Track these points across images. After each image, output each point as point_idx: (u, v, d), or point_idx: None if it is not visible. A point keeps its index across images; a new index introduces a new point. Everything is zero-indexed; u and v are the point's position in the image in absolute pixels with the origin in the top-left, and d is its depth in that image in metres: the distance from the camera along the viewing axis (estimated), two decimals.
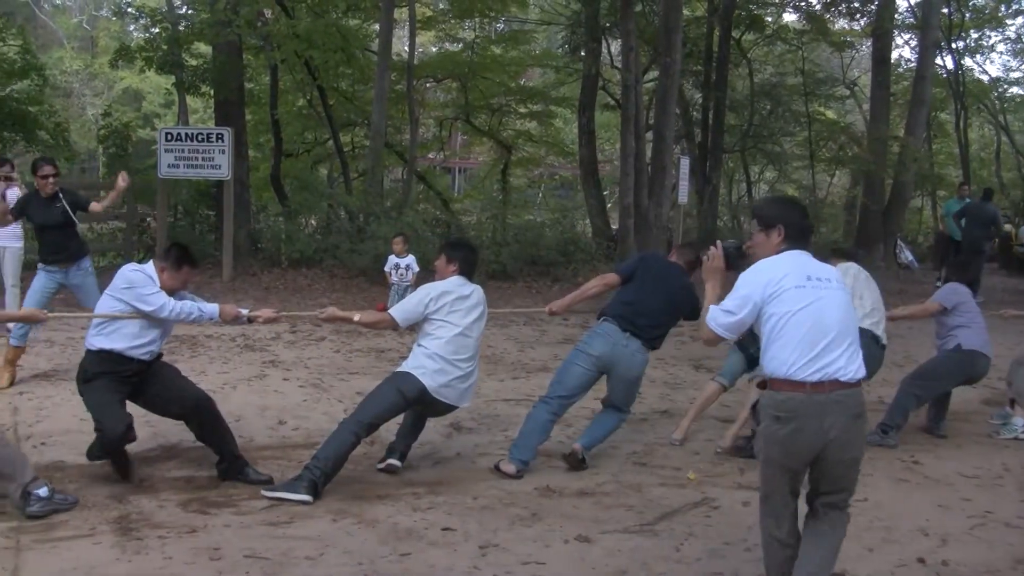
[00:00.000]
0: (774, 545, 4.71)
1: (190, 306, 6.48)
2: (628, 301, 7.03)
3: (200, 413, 6.50)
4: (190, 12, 24.19)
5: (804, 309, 4.42)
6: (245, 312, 6.77)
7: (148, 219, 19.56)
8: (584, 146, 24.21)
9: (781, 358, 4.42)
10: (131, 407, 6.38)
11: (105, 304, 6.46)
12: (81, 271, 9.34)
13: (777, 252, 4.62)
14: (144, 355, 6.45)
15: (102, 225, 21.21)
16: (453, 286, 6.68)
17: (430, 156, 31.52)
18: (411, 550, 5.33)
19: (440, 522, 5.75)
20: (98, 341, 6.35)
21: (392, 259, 12.95)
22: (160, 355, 6.64)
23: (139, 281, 6.37)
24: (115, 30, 42.88)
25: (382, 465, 6.77)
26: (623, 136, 20.50)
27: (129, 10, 26.27)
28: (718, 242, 5.01)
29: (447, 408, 6.69)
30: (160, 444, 7.27)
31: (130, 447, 7.03)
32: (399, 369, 6.61)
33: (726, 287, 4.73)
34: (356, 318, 6.77)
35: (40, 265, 9.26)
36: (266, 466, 6.74)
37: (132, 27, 33.05)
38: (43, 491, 5.75)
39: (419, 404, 6.59)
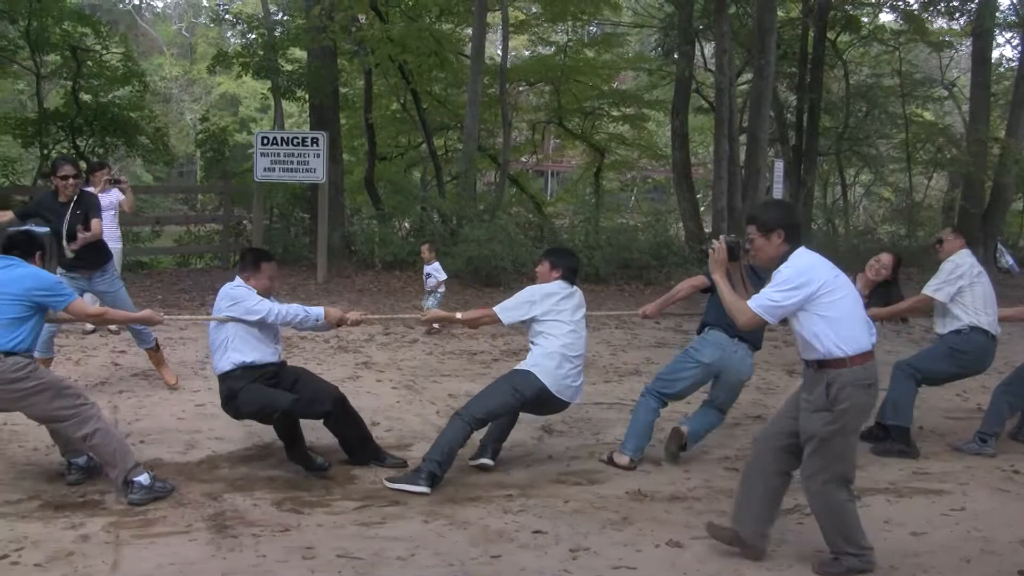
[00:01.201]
0: (849, 506, 5.25)
1: (296, 308, 6.73)
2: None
3: (339, 408, 6.77)
4: (286, 18, 24.55)
5: (850, 293, 5.15)
6: (351, 316, 7.01)
7: (244, 222, 19.84)
8: (677, 149, 24.05)
9: (854, 335, 5.07)
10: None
11: (216, 326, 6.67)
12: (107, 278, 8.89)
13: (779, 253, 5.12)
14: (274, 356, 6.78)
15: (199, 228, 21.57)
16: (557, 288, 6.83)
17: (523, 159, 31.57)
18: (501, 552, 5.35)
19: (531, 525, 5.75)
20: (231, 358, 6.59)
21: (425, 267, 12.95)
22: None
23: (241, 295, 6.67)
24: (213, 36, 43.63)
25: (476, 462, 6.85)
26: (716, 139, 20.36)
27: (226, 17, 26.73)
28: (721, 236, 5.50)
29: (562, 406, 6.84)
30: (255, 443, 7.37)
31: (224, 446, 7.18)
32: (517, 367, 6.74)
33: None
34: (458, 316, 7.00)
35: (60, 271, 8.67)
36: (359, 467, 6.82)
37: (229, 33, 33.65)
38: (144, 479, 5.97)
39: (535, 403, 6.71)
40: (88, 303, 7.08)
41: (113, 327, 9.90)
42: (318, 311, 6.81)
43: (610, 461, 7.03)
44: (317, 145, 16.58)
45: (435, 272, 12.83)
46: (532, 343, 6.78)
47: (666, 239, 20.24)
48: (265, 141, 16.87)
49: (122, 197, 11.61)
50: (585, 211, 22.63)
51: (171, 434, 7.54)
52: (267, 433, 7.43)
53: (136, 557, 5.15)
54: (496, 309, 6.80)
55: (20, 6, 19.52)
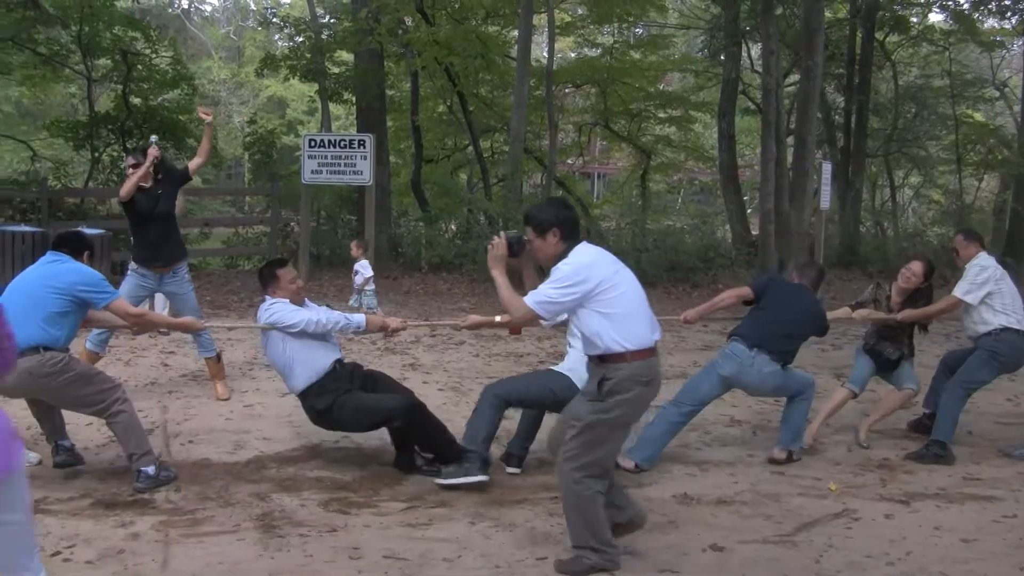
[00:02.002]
0: (600, 499, 5.11)
1: (336, 315, 6.79)
2: (756, 321, 7.20)
3: (418, 414, 6.76)
4: (333, 21, 24.67)
5: (630, 289, 5.10)
6: (392, 324, 7.09)
7: (292, 224, 19.97)
8: (724, 151, 23.99)
9: (635, 332, 5.02)
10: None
11: (273, 345, 6.75)
12: (177, 279, 8.59)
13: (557, 252, 5.07)
14: (338, 351, 6.87)
15: (247, 229, 21.73)
16: None
17: (569, 161, 31.56)
18: (548, 554, 5.34)
19: None
20: (303, 375, 6.63)
21: (354, 265, 12.73)
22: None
23: (277, 310, 6.71)
24: (260, 40, 43.90)
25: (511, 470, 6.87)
26: (763, 141, 20.24)
27: (274, 20, 26.91)
28: (502, 232, 5.37)
29: None
30: (303, 444, 7.41)
31: (272, 447, 7.23)
32: (556, 368, 6.76)
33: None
34: (498, 319, 6.96)
35: (131, 266, 8.55)
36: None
37: (277, 37, 33.78)
38: (150, 470, 6.16)
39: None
40: (151, 304, 7.08)
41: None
42: (359, 319, 6.84)
43: (615, 465, 6.93)
44: (364, 147, 16.63)
45: (362, 269, 12.63)
46: (570, 345, 6.76)
47: (713, 241, 20.21)
48: (312, 143, 16.94)
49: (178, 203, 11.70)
50: (632, 213, 22.61)
51: (219, 434, 7.60)
52: (314, 434, 7.48)
53: (185, 556, 5.20)
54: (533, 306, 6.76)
55: (72, 12, 19.76)
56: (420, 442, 6.80)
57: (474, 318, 7.15)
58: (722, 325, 13.08)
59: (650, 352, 5.07)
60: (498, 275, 5.29)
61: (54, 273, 6.07)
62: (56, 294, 5.98)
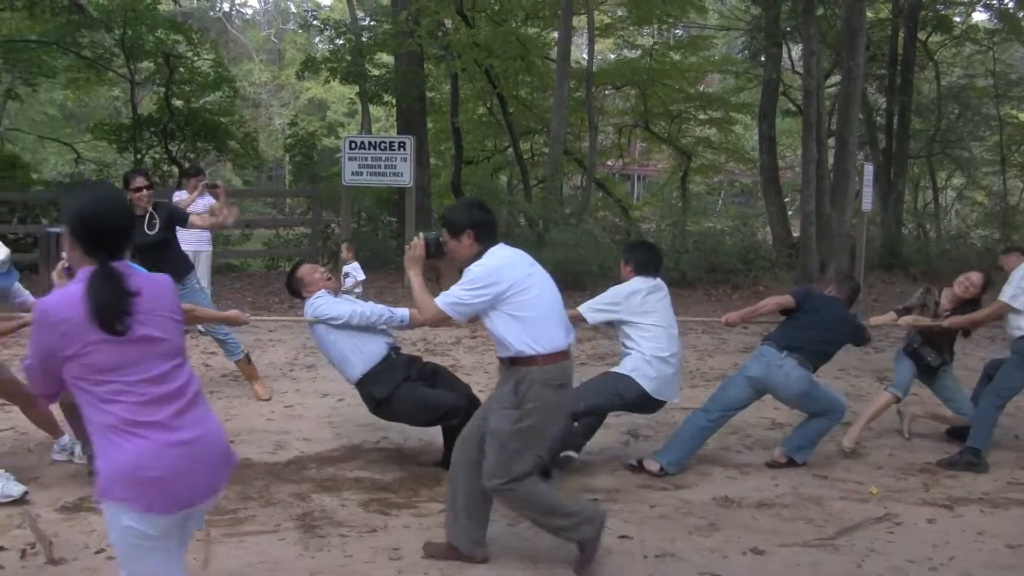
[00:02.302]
0: (541, 486, 5.12)
1: (381, 308, 6.79)
2: (790, 328, 7.17)
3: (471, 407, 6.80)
4: (373, 23, 24.76)
5: (544, 292, 5.09)
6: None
7: (332, 225, 20.05)
8: (764, 152, 23.87)
9: (547, 334, 4.97)
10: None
11: (323, 339, 6.77)
12: (187, 289, 8.59)
13: (472, 253, 5.04)
14: (391, 341, 6.85)
15: (288, 231, 21.84)
16: (638, 284, 6.82)
17: (609, 163, 31.54)
18: None
19: (617, 529, 5.74)
20: (357, 369, 6.64)
21: (344, 267, 12.66)
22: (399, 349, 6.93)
23: (320, 304, 6.75)
24: (301, 42, 44.12)
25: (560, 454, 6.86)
26: (804, 142, 20.14)
27: (314, 23, 27.03)
28: (421, 234, 5.34)
29: (660, 406, 6.89)
30: (343, 444, 7.44)
31: (312, 447, 7.27)
32: (617, 370, 6.75)
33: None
34: None
35: None
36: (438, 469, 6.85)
37: (317, 39, 33.93)
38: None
39: (635, 405, 6.79)
40: None
41: (201, 327, 10.01)
42: (403, 312, 6.79)
43: (639, 465, 6.95)
44: (404, 149, 16.68)
45: (354, 272, 12.54)
46: (624, 345, 6.79)
47: (753, 243, 20.10)
48: (353, 145, 17.01)
49: (214, 203, 11.74)
50: (672, 215, 22.51)
51: (260, 435, 7.65)
52: (355, 435, 7.52)
53: (226, 555, 5.23)
54: (581, 308, 6.83)
55: (116, 15, 19.94)
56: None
57: None
58: (764, 327, 13.03)
59: (562, 355, 5.03)
60: (413, 275, 5.31)
61: None
62: None
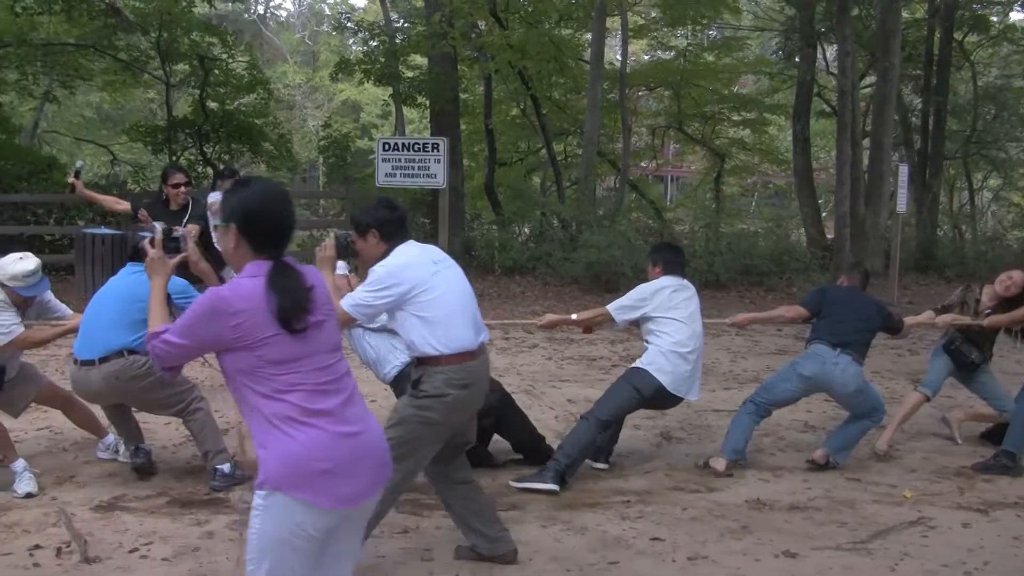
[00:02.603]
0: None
1: None
2: (830, 324, 7.12)
3: (509, 410, 6.89)
4: (406, 25, 24.82)
5: (450, 291, 4.96)
6: None
7: None
8: (798, 154, 23.77)
9: (454, 334, 4.88)
10: None
11: (358, 341, 6.77)
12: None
13: (379, 253, 4.96)
14: None
15: (321, 232, 21.90)
16: (664, 283, 6.85)
17: (642, 165, 31.51)
18: (619, 559, 5.34)
19: (649, 532, 5.74)
20: (392, 369, 6.61)
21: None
22: None
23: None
24: (335, 44, 44.27)
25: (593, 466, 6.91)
26: (839, 143, 20.05)
27: (348, 25, 27.13)
28: (333, 233, 5.22)
29: (678, 401, 6.87)
30: None
31: None
32: (634, 365, 6.78)
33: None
34: (574, 317, 7.08)
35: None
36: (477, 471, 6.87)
37: (351, 41, 34.07)
38: (226, 467, 6.28)
39: (654, 401, 6.79)
40: None
41: None
42: None
43: (706, 466, 7.00)
44: (438, 151, 16.68)
45: (339, 269, 12.57)
46: (646, 341, 6.82)
47: (787, 245, 20.03)
48: (386, 147, 17.02)
49: None
50: (705, 217, 22.48)
51: None
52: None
53: None
54: (609, 307, 6.87)
55: (152, 19, 20.08)
56: (510, 439, 6.93)
57: (550, 317, 7.24)
58: (797, 329, 13.00)
59: (469, 355, 4.95)
60: (325, 275, 5.09)
61: (139, 282, 6.06)
62: (142, 302, 6.03)
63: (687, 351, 6.67)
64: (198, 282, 4.10)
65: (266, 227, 3.28)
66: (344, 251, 5.26)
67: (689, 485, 6.69)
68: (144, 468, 6.50)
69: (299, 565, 3.26)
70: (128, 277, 6.29)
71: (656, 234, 19.99)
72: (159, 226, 4.06)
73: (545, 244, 18.41)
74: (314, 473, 3.15)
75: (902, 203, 18.63)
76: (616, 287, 16.54)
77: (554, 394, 9.49)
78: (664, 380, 6.59)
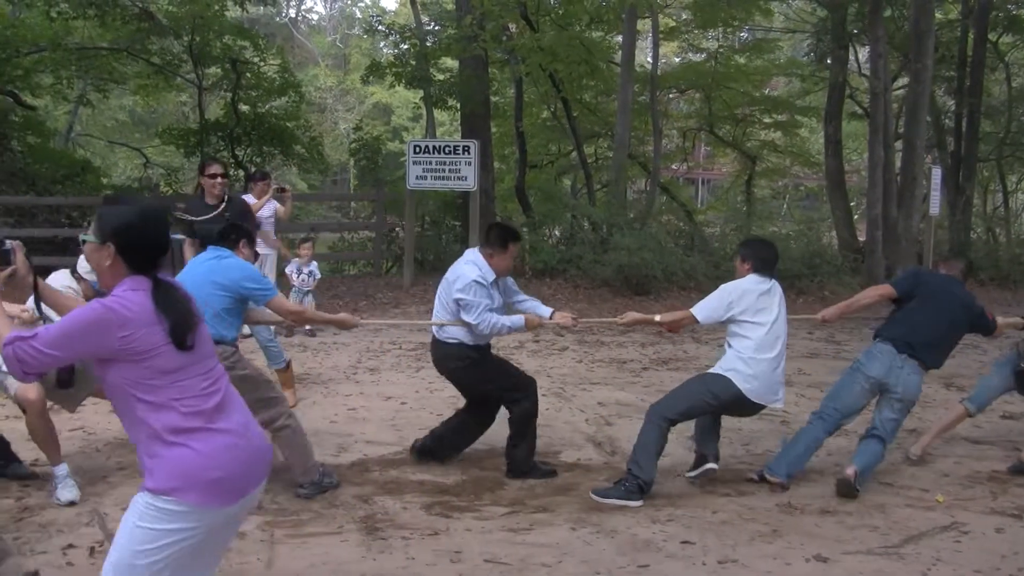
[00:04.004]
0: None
1: (510, 322, 6.75)
2: (905, 321, 6.91)
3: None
4: (437, 28, 24.85)
5: None
6: (547, 313, 7.07)
7: (396, 229, 20.13)
8: (830, 156, 23.64)
9: None
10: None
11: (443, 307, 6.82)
12: None
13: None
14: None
15: (353, 235, 21.98)
16: (752, 283, 6.67)
17: (673, 167, 31.42)
18: (649, 562, 5.33)
19: (679, 535, 5.73)
20: (455, 332, 6.73)
21: (295, 263, 12.56)
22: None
23: (470, 300, 6.61)
24: (366, 47, 44.44)
25: (694, 473, 6.78)
26: (871, 145, 19.95)
27: (379, 28, 27.18)
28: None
29: (759, 408, 6.71)
30: (406, 447, 7.46)
31: (375, 449, 7.32)
32: (712, 370, 6.68)
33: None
34: (657, 318, 6.98)
35: None
36: (506, 471, 6.88)
37: (382, 44, 34.15)
38: (315, 476, 6.29)
39: (732, 407, 6.66)
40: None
41: (247, 328, 10.05)
42: (519, 319, 6.81)
43: (761, 479, 6.88)
44: (468, 153, 16.72)
45: (315, 271, 12.55)
46: (728, 344, 6.68)
47: (819, 248, 19.93)
48: (417, 149, 17.08)
49: (279, 207, 11.91)
50: (736, 219, 22.41)
51: (323, 436, 7.69)
52: (417, 437, 7.55)
53: (289, 556, 5.28)
54: (694, 310, 6.71)
55: (184, 22, 20.20)
56: (515, 432, 6.85)
57: (632, 315, 7.14)
58: (828, 332, 12.96)
59: None
60: None
61: (219, 269, 6.18)
62: (222, 291, 6.09)
63: (769, 356, 6.51)
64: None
65: (144, 246, 3.36)
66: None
67: (719, 488, 6.67)
68: None
69: (182, 558, 3.33)
70: (206, 263, 6.27)
71: (687, 237, 19.95)
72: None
73: (576, 247, 18.39)
74: (207, 481, 3.27)
75: (935, 206, 18.55)
76: (647, 290, 16.54)
77: (584, 397, 9.48)
78: (744, 387, 6.44)
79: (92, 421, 7.29)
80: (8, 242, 3.70)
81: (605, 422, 8.49)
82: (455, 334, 6.71)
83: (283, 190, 11.94)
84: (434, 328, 6.87)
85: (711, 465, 6.72)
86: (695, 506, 6.28)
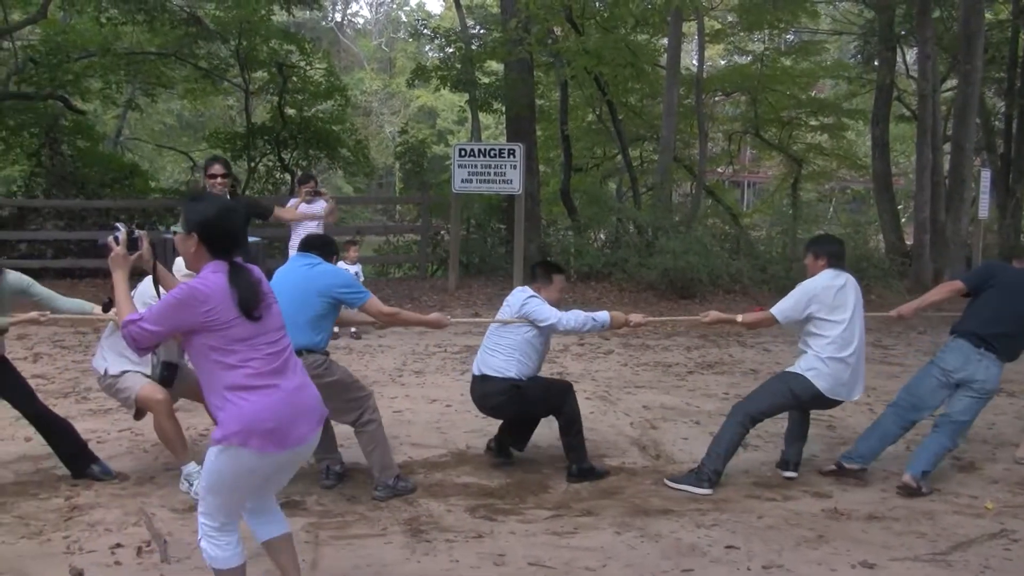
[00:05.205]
0: None
1: (584, 315, 6.85)
2: (979, 315, 6.85)
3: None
4: (483, 31, 24.89)
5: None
6: (634, 318, 7.12)
7: (442, 232, 20.18)
8: (877, 159, 23.47)
9: None
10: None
11: (518, 337, 6.84)
12: None
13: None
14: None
15: (398, 237, 22.06)
16: (828, 279, 6.76)
17: (719, 170, 31.33)
18: (693, 566, 5.31)
19: (723, 540, 5.70)
20: (519, 369, 6.77)
21: (341, 264, 12.58)
22: None
23: (536, 303, 6.81)
24: (411, 51, 44.59)
25: (785, 475, 6.97)
26: (919, 148, 19.81)
27: (425, 31, 27.28)
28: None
29: (838, 403, 6.86)
30: (450, 450, 7.49)
31: (420, 452, 7.34)
32: (791, 369, 6.76)
33: None
34: (739, 319, 7.03)
35: None
36: (550, 474, 6.87)
37: (428, 47, 34.24)
38: (390, 480, 6.35)
39: (812, 404, 6.81)
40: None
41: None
42: (604, 317, 6.87)
43: (839, 467, 6.96)
44: (514, 156, 16.73)
45: (360, 272, 12.58)
46: (804, 342, 6.74)
47: (866, 251, 19.76)
48: (463, 153, 17.11)
49: (327, 207, 11.99)
50: (782, 222, 22.27)
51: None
52: (462, 440, 7.57)
53: (334, 557, 5.30)
54: (773, 310, 6.78)
55: (232, 27, 20.36)
56: (565, 433, 6.87)
57: (715, 314, 7.18)
58: (874, 337, 12.83)
59: None
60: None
61: (312, 275, 6.26)
62: (318, 297, 6.17)
63: (846, 354, 6.57)
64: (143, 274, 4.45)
65: (222, 236, 4.04)
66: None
67: (765, 493, 6.63)
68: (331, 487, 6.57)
69: (244, 497, 4.20)
70: (298, 270, 6.35)
71: (732, 240, 19.87)
72: (122, 227, 4.26)
73: (621, 250, 18.35)
74: (264, 430, 3.95)
75: (984, 209, 18.38)
76: (692, 293, 16.48)
77: (629, 400, 9.45)
78: (822, 386, 6.56)
79: (140, 423, 7.34)
80: (137, 231, 4.31)
81: (650, 426, 8.46)
82: (506, 369, 6.75)
83: (319, 193, 12.05)
84: (482, 367, 6.89)
85: (791, 474, 6.96)
86: (740, 511, 6.24)
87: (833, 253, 6.89)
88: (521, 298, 6.86)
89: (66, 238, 17.85)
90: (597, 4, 21.34)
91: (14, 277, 6.39)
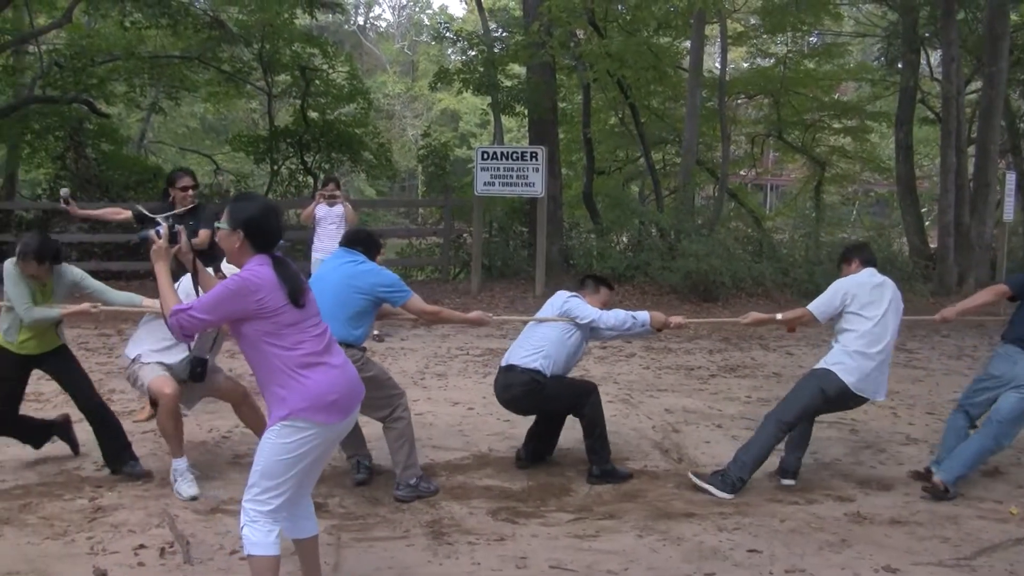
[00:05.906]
0: None
1: (624, 314, 6.92)
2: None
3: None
4: (505, 35, 24.89)
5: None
6: (674, 320, 7.17)
7: (464, 235, 20.20)
8: (901, 162, 23.36)
9: None
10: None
11: (551, 332, 6.92)
12: None
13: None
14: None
15: (421, 241, 22.09)
16: (867, 276, 6.85)
17: (742, 173, 31.26)
18: (715, 570, 5.29)
19: (746, 543, 5.68)
20: (542, 363, 6.79)
21: None
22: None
23: (572, 303, 6.95)
24: (434, 54, 44.66)
25: (783, 482, 6.92)
26: (943, 151, 19.71)
27: (447, 35, 27.29)
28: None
29: (863, 402, 6.81)
30: (472, 453, 7.49)
31: (442, 455, 7.34)
32: (818, 366, 6.76)
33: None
34: (778, 316, 7.07)
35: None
36: (573, 476, 6.86)
37: (450, 51, 34.27)
38: (413, 480, 6.38)
39: (837, 401, 6.75)
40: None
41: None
42: (644, 316, 6.92)
43: (927, 471, 6.93)
44: (536, 159, 16.73)
45: None
46: (836, 338, 6.78)
47: (889, 254, 19.67)
48: (485, 156, 17.12)
49: (347, 210, 12.07)
50: (805, 225, 22.23)
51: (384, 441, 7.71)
52: (484, 443, 7.57)
53: (356, 559, 5.31)
54: (810, 307, 6.84)
55: (255, 30, 20.44)
56: (589, 434, 6.87)
57: (755, 315, 7.21)
58: (899, 340, 12.74)
59: None
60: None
61: (355, 273, 6.32)
62: (359, 294, 6.25)
63: (875, 350, 6.57)
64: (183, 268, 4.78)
65: (265, 232, 4.30)
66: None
67: (788, 497, 6.61)
68: (364, 483, 6.62)
69: (299, 480, 4.35)
70: (343, 267, 6.39)
71: (755, 243, 19.80)
72: (163, 221, 4.50)
73: (643, 253, 18.32)
74: (328, 403, 4.26)
75: (1009, 212, 18.24)
76: (715, 297, 16.45)
77: (652, 403, 9.44)
78: (848, 380, 6.54)
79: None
80: (177, 226, 4.54)
81: (672, 429, 8.45)
82: (531, 361, 6.78)
83: (333, 197, 12.15)
84: (509, 357, 6.94)
85: (788, 481, 6.89)
86: (763, 514, 6.22)
87: (865, 258, 7.04)
88: (563, 297, 6.98)
89: (90, 240, 17.94)
90: (619, 7, 21.34)
91: (69, 270, 6.56)
